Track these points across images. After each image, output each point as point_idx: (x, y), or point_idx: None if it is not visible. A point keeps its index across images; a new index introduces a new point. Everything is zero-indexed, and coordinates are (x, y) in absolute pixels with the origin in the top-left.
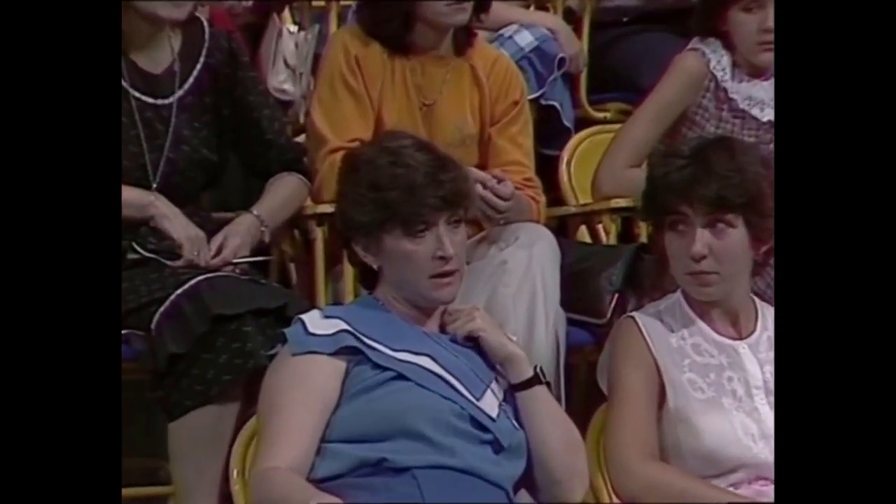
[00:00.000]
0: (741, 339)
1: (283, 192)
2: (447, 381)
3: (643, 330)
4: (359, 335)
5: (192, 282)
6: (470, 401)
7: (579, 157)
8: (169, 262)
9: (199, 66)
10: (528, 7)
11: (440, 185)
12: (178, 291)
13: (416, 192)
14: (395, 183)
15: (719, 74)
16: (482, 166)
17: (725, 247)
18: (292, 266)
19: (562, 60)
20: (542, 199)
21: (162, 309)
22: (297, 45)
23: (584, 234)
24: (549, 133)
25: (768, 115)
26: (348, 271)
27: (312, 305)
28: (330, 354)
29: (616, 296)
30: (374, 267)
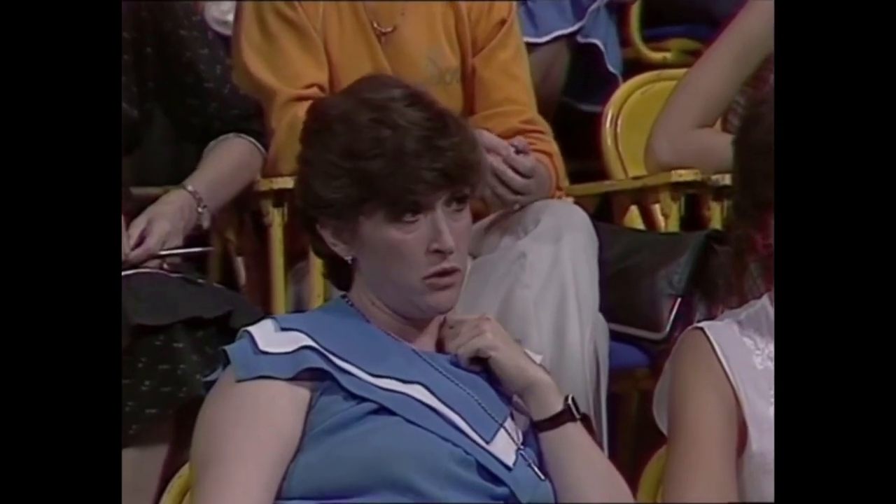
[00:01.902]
0: None
1: (227, 160)
2: (446, 418)
3: (716, 347)
4: (327, 354)
5: None
6: (477, 444)
7: (629, 113)
8: None
9: None
10: None
11: (439, 154)
12: None
13: (406, 162)
14: (379, 149)
15: None
16: (468, 111)
17: None
18: (239, 260)
19: None
20: (555, 147)
21: None
22: None
23: (634, 217)
24: (589, 81)
25: None
26: (315, 268)
27: (266, 314)
28: (288, 380)
29: (678, 301)
30: (347, 259)
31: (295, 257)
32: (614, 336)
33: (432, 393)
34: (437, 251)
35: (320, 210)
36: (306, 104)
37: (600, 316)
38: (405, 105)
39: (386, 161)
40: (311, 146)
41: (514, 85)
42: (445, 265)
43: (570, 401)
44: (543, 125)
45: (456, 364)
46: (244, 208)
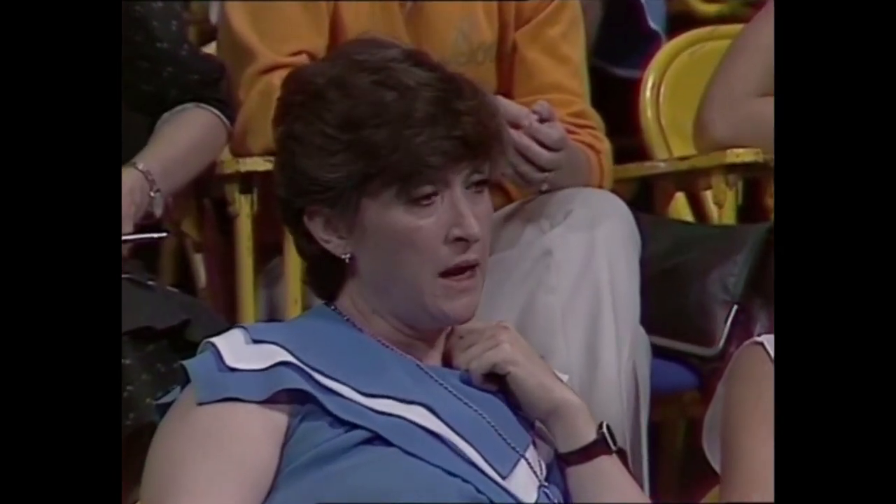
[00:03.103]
0: None
1: (184, 135)
2: (454, 447)
3: None
4: (309, 370)
5: None
6: (492, 479)
7: (674, 79)
8: None
9: None
10: None
11: (456, 119)
12: None
13: (418, 129)
14: (385, 115)
15: None
16: (505, 95)
17: None
18: (198, 258)
19: None
20: (607, 145)
21: None
22: None
23: (681, 206)
24: (625, 40)
25: None
26: (292, 269)
27: (231, 323)
28: (261, 403)
29: (734, 309)
30: (343, 257)
31: (267, 255)
32: (657, 351)
33: (437, 416)
34: (458, 239)
35: (312, 197)
36: (283, 73)
37: (640, 328)
38: (408, 65)
39: (393, 129)
40: (298, 120)
41: (562, 68)
42: (468, 256)
43: (604, 429)
44: (595, 120)
45: (467, 382)
46: (205, 194)
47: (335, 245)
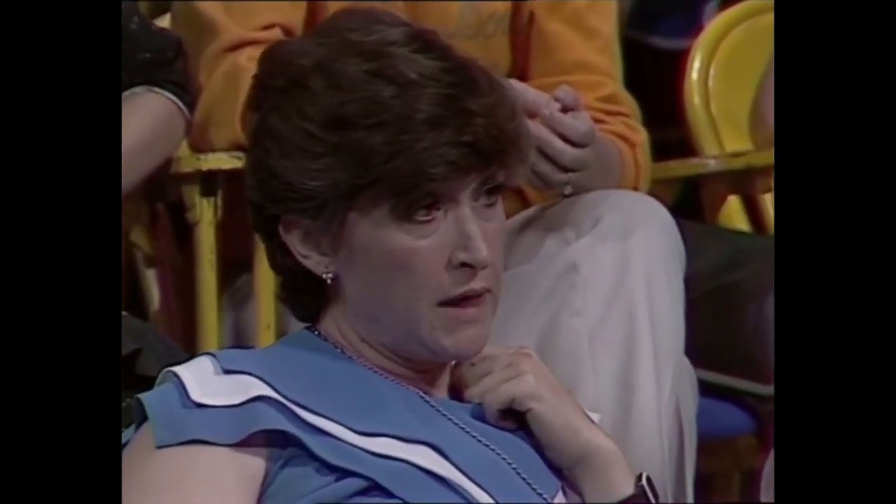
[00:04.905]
0: None
1: (133, 125)
2: (468, 496)
3: None
4: (291, 406)
5: None
6: None
7: (726, 59)
8: None
9: None
10: None
11: (467, 121)
12: None
13: (420, 133)
14: (381, 114)
15: None
16: (516, 77)
17: None
18: (150, 274)
19: None
20: (643, 137)
21: None
22: None
23: (734, 212)
24: (667, 9)
25: None
26: (263, 286)
27: (190, 353)
28: (233, 446)
29: None
30: (325, 276)
31: (233, 270)
32: (705, 389)
33: (447, 458)
34: (463, 265)
35: (288, 205)
36: (252, 51)
37: (685, 359)
38: (411, 50)
39: (391, 132)
40: (275, 111)
41: (589, 43)
42: (474, 286)
43: (643, 482)
44: (630, 106)
45: (480, 417)
46: (158, 197)
47: (315, 262)
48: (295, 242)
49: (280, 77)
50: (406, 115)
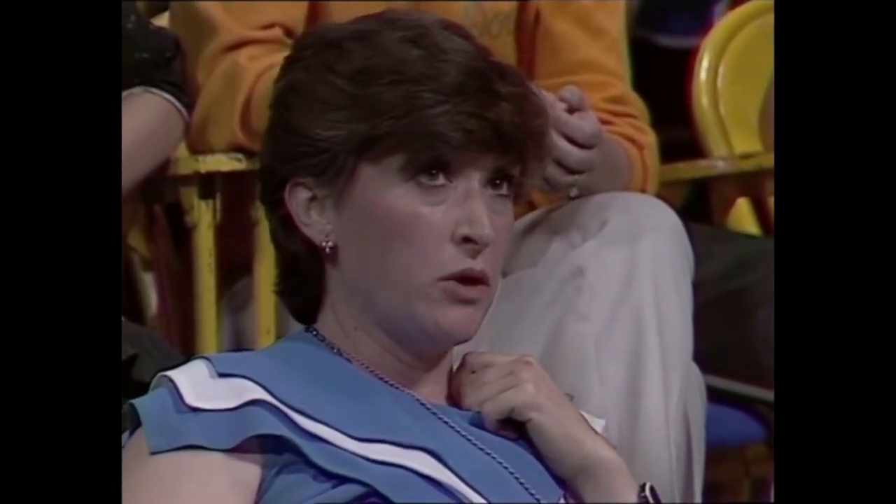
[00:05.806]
0: None
1: (130, 126)
2: (467, 502)
3: None
4: (287, 411)
5: None
6: None
7: (736, 58)
8: None
9: None
10: None
11: (492, 99)
12: None
13: (443, 97)
14: (406, 71)
15: None
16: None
17: None
18: (148, 278)
19: None
20: (651, 139)
21: None
22: None
23: (743, 215)
24: (675, 6)
25: None
26: (263, 290)
27: (188, 355)
28: (229, 451)
29: None
30: (324, 244)
31: (232, 274)
32: (714, 395)
33: (444, 464)
34: (466, 239)
35: (299, 162)
36: (252, 50)
37: (693, 365)
38: (449, 33)
39: (413, 88)
40: (303, 70)
41: (596, 43)
42: (475, 265)
43: (647, 492)
44: (638, 107)
45: (479, 424)
46: (155, 199)
47: (316, 229)
48: (298, 209)
49: (313, 45)
50: (432, 75)
